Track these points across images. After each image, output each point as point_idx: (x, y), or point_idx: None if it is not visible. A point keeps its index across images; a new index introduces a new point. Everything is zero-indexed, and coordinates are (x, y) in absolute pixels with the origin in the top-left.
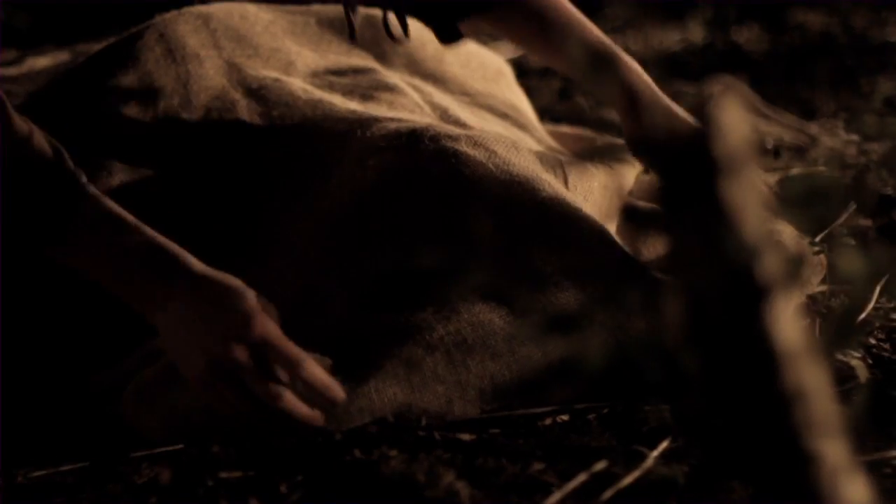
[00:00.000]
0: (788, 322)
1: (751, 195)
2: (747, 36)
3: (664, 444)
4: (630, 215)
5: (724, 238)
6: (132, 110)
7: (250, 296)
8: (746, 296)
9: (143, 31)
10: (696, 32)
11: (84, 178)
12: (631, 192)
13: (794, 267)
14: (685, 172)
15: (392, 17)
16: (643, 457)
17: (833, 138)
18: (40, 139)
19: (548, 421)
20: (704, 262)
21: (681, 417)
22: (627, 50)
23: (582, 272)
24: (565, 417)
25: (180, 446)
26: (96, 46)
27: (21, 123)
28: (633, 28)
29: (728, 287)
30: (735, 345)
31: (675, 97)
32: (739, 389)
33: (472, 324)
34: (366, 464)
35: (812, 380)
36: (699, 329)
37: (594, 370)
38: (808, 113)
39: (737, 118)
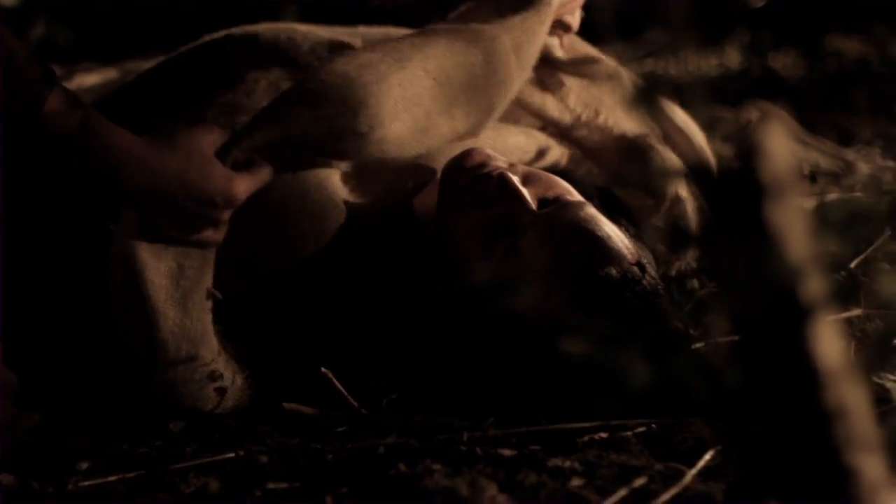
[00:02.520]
0: (830, 342)
1: (795, 218)
2: (784, 62)
3: (702, 462)
4: (673, 233)
5: (769, 260)
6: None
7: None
8: (790, 316)
9: (192, 50)
10: (733, 58)
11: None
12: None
13: None
14: (732, 196)
15: None
16: (682, 474)
17: (870, 164)
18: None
19: (586, 438)
20: (750, 282)
21: (723, 433)
22: (666, 74)
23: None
24: (604, 435)
25: (230, 455)
26: (144, 65)
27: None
28: (671, 53)
29: (773, 307)
30: (779, 363)
31: (713, 122)
32: (782, 406)
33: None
34: (410, 476)
35: (853, 398)
36: (744, 348)
37: (639, 387)
38: (845, 139)
39: (781, 143)
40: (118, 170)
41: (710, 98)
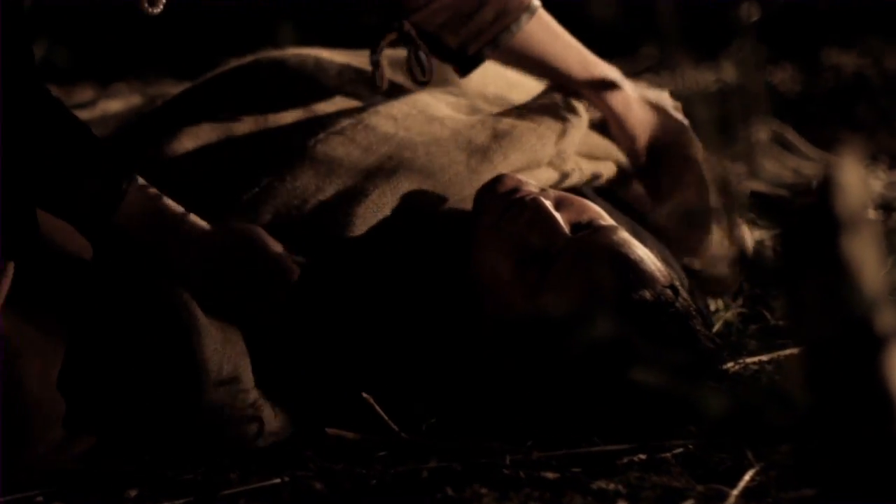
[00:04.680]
0: None
1: (870, 251)
2: (781, 77)
3: (743, 482)
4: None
5: (845, 291)
6: (210, 155)
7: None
8: (865, 346)
9: (221, 76)
10: (729, 73)
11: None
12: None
13: None
14: (807, 228)
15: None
16: (725, 495)
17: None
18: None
19: (625, 459)
20: (826, 312)
21: (800, 459)
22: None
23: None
24: (643, 456)
25: (276, 481)
26: (168, 90)
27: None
28: (668, 68)
29: (848, 336)
30: (855, 391)
31: (719, 140)
32: (858, 432)
33: None
34: (458, 501)
35: None
36: (820, 376)
37: (717, 414)
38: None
39: (856, 177)
40: (184, 261)
41: (711, 114)
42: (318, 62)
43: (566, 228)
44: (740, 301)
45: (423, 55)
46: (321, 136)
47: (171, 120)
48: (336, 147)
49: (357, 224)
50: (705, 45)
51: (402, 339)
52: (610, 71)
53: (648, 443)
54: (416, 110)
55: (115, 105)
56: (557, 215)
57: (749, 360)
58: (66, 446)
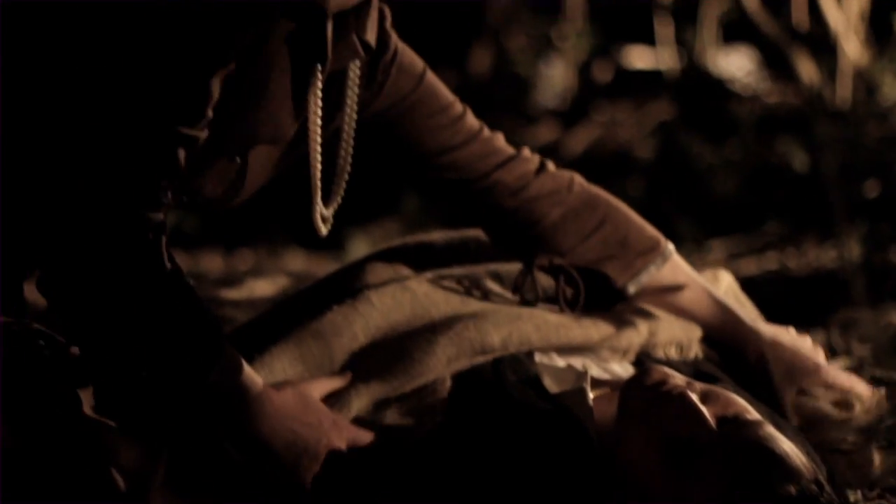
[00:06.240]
0: None
1: None
2: None
3: None
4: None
5: None
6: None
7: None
8: None
9: (365, 262)
10: (852, 250)
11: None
12: None
13: None
14: None
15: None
16: None
17: None
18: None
19: None
20: None
21: None
22: (784, 267)
23: None
24: None
25: None
26: (312, 267)
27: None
28: (791, 244)
29: None
30: None
31: (845, 323)
32: None
33: None
34: None
35: None
36: None
37: None
38: None
39: None
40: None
41: (832, 294)
42: (465, 242)
43: (713, 422)
44: (877, 491)
45: (572, 288)
46: (429, 276)
47: (316, 305)
48: (438, 290)
49: (437, 353)
50: (827, 222)
51: None
52: (725, 315)
53: None
54: None
55: (262, 286)
56: (704, 409)
57: None
58: None
